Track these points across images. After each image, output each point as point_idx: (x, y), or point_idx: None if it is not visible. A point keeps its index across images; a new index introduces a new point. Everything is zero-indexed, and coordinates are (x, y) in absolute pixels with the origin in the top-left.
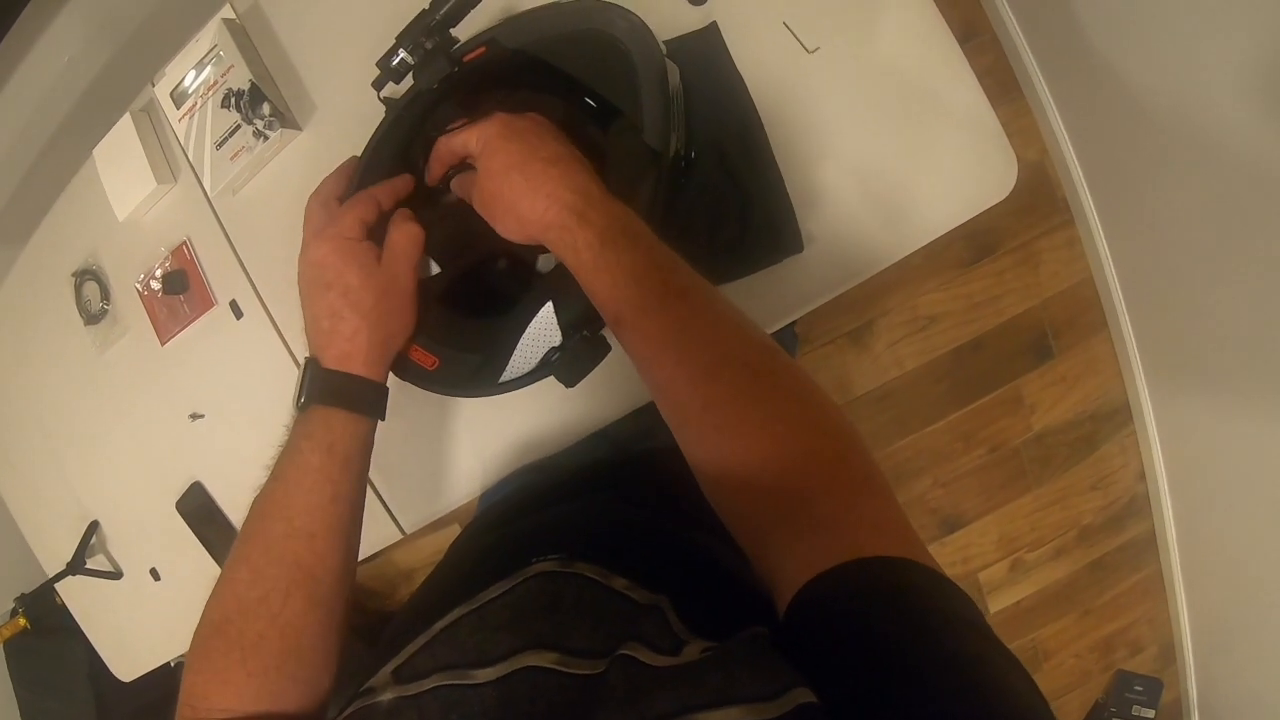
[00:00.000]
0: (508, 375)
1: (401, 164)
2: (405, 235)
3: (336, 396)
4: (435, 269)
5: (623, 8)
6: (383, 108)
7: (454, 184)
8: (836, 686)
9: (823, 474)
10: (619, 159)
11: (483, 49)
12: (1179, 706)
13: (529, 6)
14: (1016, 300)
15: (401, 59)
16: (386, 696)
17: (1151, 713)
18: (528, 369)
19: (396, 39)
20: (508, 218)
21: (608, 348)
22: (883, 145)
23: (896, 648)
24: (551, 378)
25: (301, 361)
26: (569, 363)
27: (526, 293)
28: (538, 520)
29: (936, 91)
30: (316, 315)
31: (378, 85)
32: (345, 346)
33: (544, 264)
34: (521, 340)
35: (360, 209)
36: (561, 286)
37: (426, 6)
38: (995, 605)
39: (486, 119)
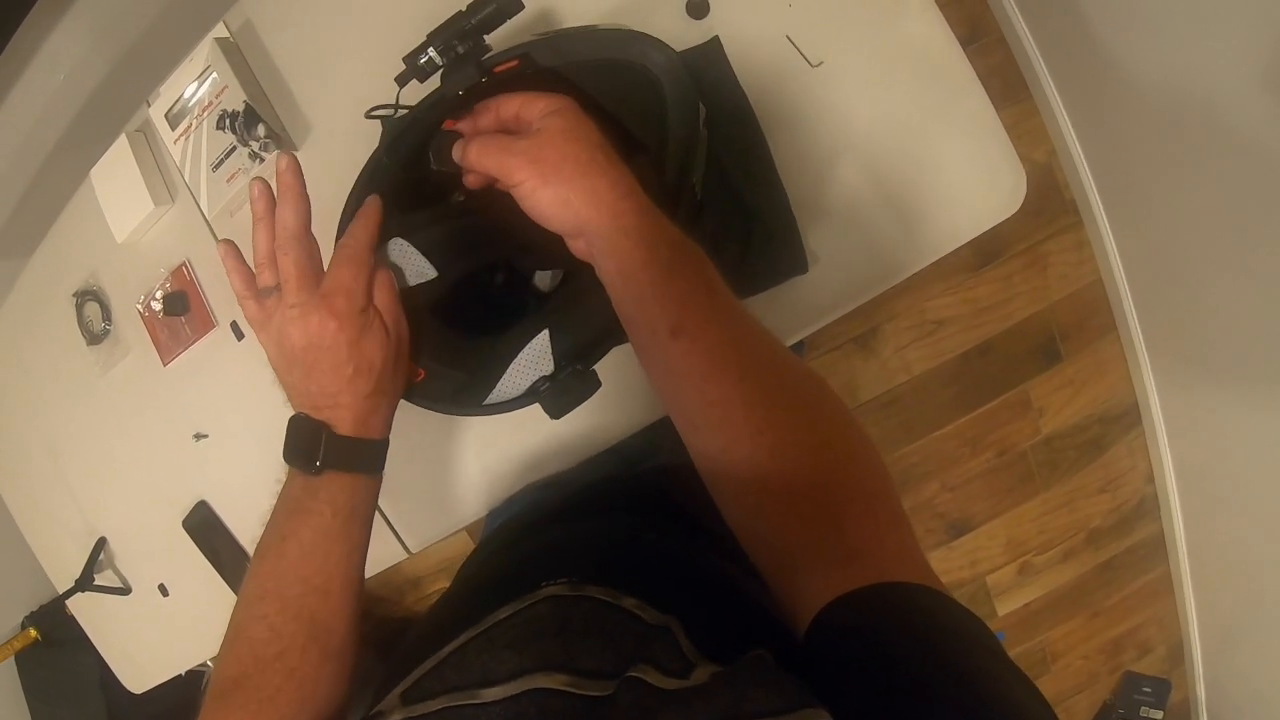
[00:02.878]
0: (493, 398)
1: (414, 166)
2: (382, 289)
3: (354, 463)
4: (431, 273)
5: (662, 42)
6: (379, 126)
7: (455, 148)
8: (855, 707)
9: (861, 505)
10: None
11: (516, 62)
12: (1187, 708)
13: (564, 25)
14: (1024, 303)
15: (430, 58)
16: (395, 719)
17: (1160, 714)
18: (515, 394)
19: (429, 36)
20: (558, 191)
21: (598, 384)
22: (889, 161)
23: (917, 670)
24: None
25: (290, 417)
26: (557, 394)
27: (521, 310)
28: (546, 542)
29: (943, 105)
30: (325, 389)
31: (401, 81)
32: (369, 419)
33: (541, 280)
34: (512, 365)
35: (366, 270)
36: (561, 315)
37: (464, 8)
38: (1003, 608)
39: (562, 95)
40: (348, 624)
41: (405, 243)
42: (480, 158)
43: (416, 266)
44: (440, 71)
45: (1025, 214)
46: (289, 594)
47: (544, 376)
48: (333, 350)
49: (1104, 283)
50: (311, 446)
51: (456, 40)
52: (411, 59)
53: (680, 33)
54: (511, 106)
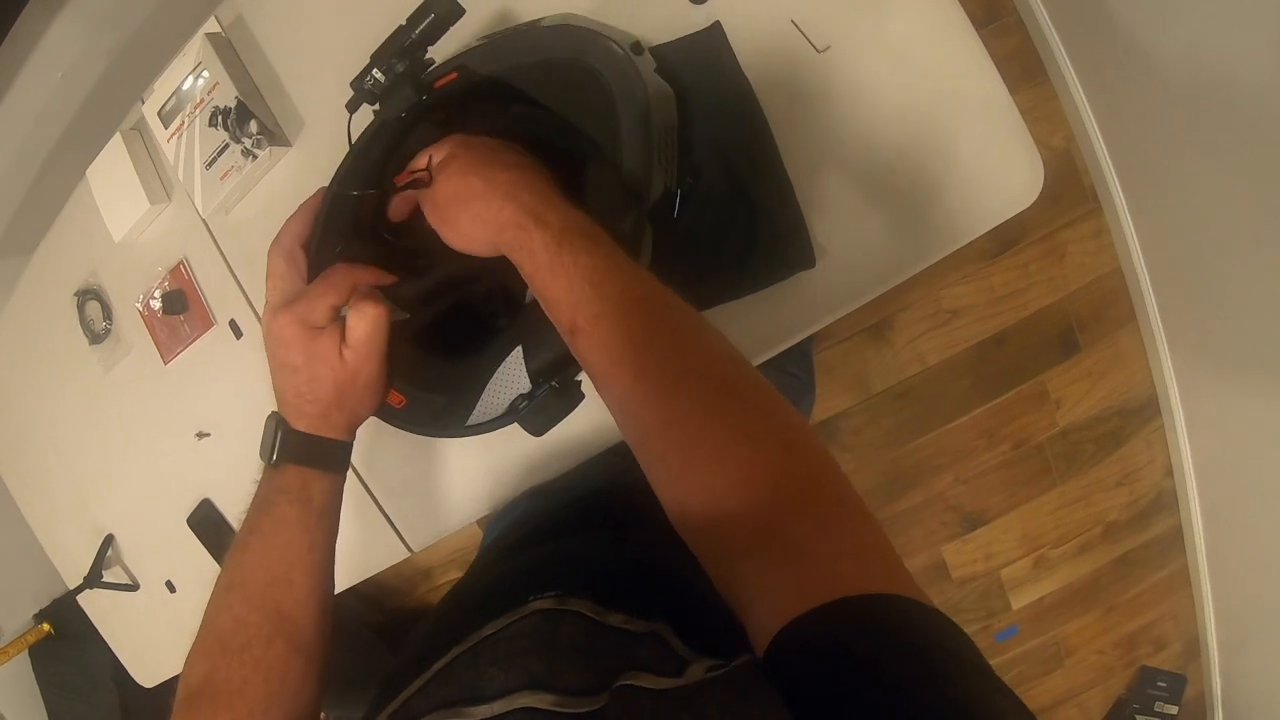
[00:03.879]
0: (474, 419)
1: (371, 201)
2: (369, 323)
3: (310, 458)
4: (403, 315)
5: (602, 36)
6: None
7: (392, 205)
8: None
9: (794, 496)
10: (595, 196)
11: (453, 75)
12: (1202, 703)
13: (518, 23)
14: (1041, 293)
15: (374, 79)
16: None
17: (1174, 709)
18: (495, 414)
19: (371, 58)
20: (462, 220)
21: (580, 397)
22: (899, 150)
23: (884, 697)
24: None
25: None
26: (536, 412)
27: (502, 323)
28: (535, 556)
29: (957, 91)
30: (283, 388)
31: (351, 107)
32: (315, 422)
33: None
34: (489, 385)
35: (335, 296)
36: (531, 331)
37: (404, 22)
38: (1018, 602)
39: (446, 139)
40: (313, 618)
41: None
42: (403, 214)
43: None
44: (380, 94)
45: (1043, 201)
46: (253, 585)
47: (521, 395)
48: (287, 351)
49: (1123, 272)
50: (271, 440)
51: (396, 59)
52: (358, 82)
53: (681, 18)
54: (421, 162)
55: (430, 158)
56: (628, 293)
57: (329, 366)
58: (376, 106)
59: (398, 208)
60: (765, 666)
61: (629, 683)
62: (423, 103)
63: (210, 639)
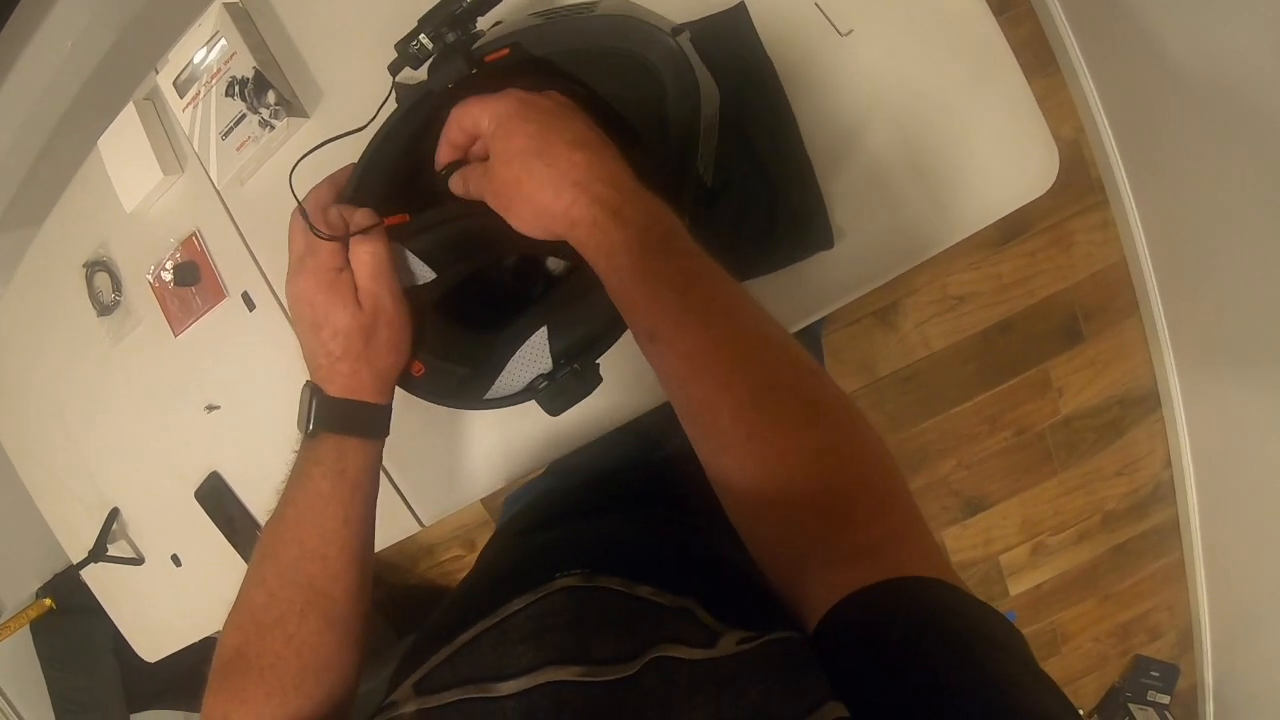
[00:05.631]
0: (493, 394)
1: (407, 167)
2: (367, 259)
3: (345, 424)
4: (429, 275)
5: (662, 31)
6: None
7: (451, 182)
8: (867, 705)
9: (870, 506)
10: None
11: (506, 51)
12: (1194, 694)
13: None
14: (1047, 282)
15: (421, 44)
16: (409, 709)
17: (1166, 698)
18: (514, 390)
19: (419, 22)
20: (526, 210)
21: (598, 380)
22: (918, 135)
23: (930, 669)
24: None
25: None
26: (555, 394)
27: (529, 298)
28: (560, 535)
29: (976, 78)
30: (313, 352)
31: (394, 69)
32: (347, 381)
33: (555, 264)
34: (511, 361)
35: (336, 242)
36: (559, 312)
37: None
38: (1015, 588)
39: (500, 95)
40: (348, 592)
41: (401, 247)
42: (467, 193)
43: (415, 270)
44: (430, 62)
45: (1052, 190)
46: (286, 559)
47: (542, 375)
48: (310, 308)
49: (1128, 264)
50: (306, 409)
51: (446, 27)
52: (403, 45)
53: None
54: (464, 126)
55: (485, 115)
56: (714, 300)
57: (350, 311)
58: (415, 70)
59: (441, 156)
60: (815, 638)
61: (663, 654)
62: (472, 76)
63: (244, 611)
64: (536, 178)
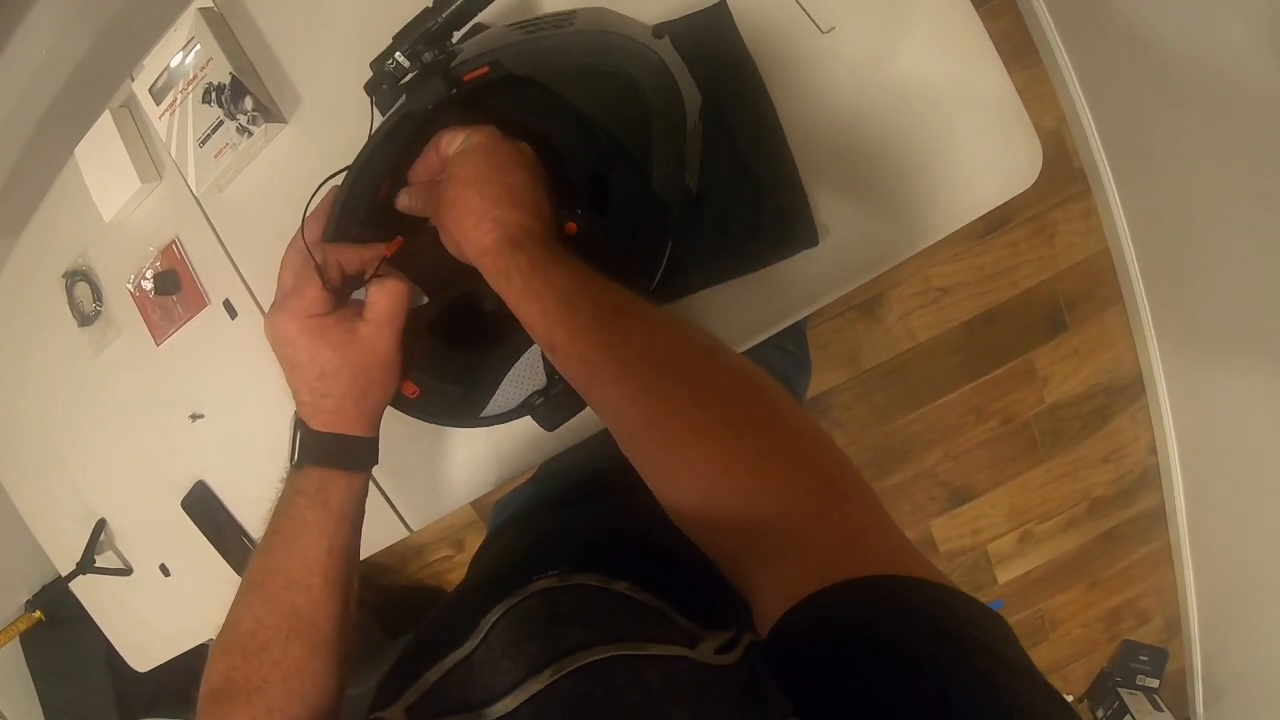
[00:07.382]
0: (489, 411)
1: (388, 189)
2: (390, 297)
3: (329, 458)
4: (422, 299)
5: (642, 45)
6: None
7: (399, 198)
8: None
9: (781, 481)
10: (623, 204)
11: (485, 69)
12: (1183, 677)
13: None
14: (1031, 272)
15: (397, 63)
16: None
17: (1155, 682)
18: (509, 407)
19: (394, 39)
20: (451, 230)
21: None
22: (901, 131)
23: (878, 685)
24: None
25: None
26: (551, 409)
27: (517, 324)
28: (538, 534)
29: (958, 74)
30: (296, 388)
31: (370, 89)
32: (331, 418)
33: None
34: (506, 378)
35: (319, 281)
36: None
37: (430, 4)
38: (1004, 576)
39: (478, 128)
40: (332, 620)
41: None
42: (409, 207)
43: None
44: (408, 80)
45: (1034, 181)
46: (271, 587)
47: (537, 391)
48: (290, 348)
49: (1111, 253)
50: (292, 441)
51: (423, 45)
52: (379, 64)
53: None
54: (441, 147)
55: (458, 138)
56: (600, 305)
57: (340, 351)
58: (388, 87)
59: (417, 171)
60: (766, 651)
61: (635, 652)
62: (452, 96)
63: (231, 638)
64: (469, 203)
